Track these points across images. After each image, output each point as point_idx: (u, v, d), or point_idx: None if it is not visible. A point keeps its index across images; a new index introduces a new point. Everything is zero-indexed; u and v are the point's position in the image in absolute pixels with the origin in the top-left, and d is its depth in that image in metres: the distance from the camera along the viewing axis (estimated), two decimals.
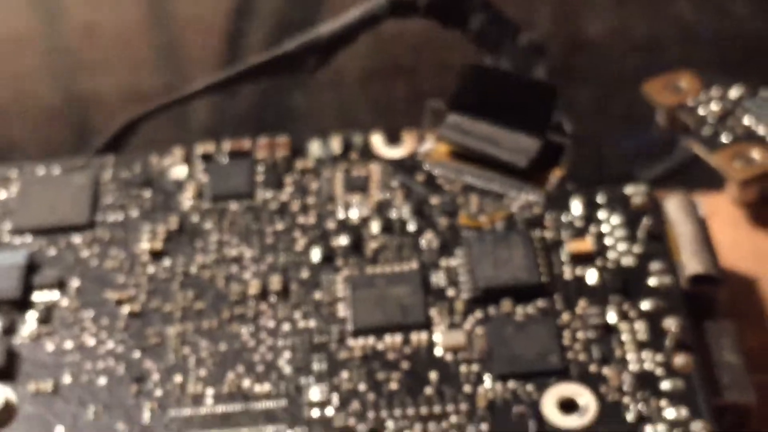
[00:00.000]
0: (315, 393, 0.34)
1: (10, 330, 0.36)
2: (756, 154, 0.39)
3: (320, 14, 0.66)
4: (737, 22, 0.62)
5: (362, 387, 0.34)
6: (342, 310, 0.36)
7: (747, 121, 0.40)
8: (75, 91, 0.64)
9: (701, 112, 0.40)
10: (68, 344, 0.35)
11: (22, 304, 0.36)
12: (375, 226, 0.38)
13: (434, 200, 0.38)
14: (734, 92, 0.41)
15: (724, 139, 0.39)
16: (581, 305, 0.35)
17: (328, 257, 0.37)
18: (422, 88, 0.59)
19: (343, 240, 0.37)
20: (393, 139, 0.40)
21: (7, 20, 0.67)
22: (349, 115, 0.59)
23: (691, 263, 0.35)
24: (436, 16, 0.40)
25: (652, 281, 0.35)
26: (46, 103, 0.63)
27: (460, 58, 0.59)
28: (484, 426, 0.32)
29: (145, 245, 0.38)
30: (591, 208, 0.37)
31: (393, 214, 0.38)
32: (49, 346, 0.35)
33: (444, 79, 0.59)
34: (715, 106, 0.40)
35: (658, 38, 0.62)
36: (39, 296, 0.37)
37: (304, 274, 0.37)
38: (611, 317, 0.34)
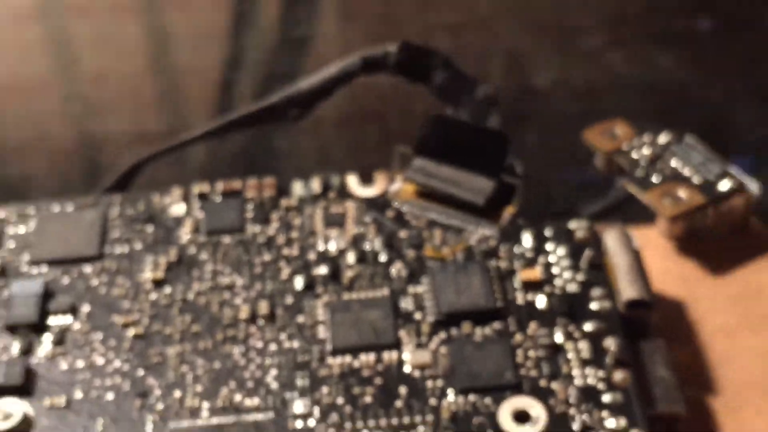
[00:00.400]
0: (299, 406, 0.33)
1: (28, 351, 0.35)
2: (683, 193, 0.38)
3: (301, 66, 0.66)
4: (663, 73, 0.62)
5: (340, 400, 0.33)
6: (322, 332, 0.35)
7: (674, 163, 0.40)
8: (86, 133, 0.64)
9: (634, 155, 0.40)
10: (80, 363, 0.35)
11: (39, 327, 0.36)
12: (351, 257, 0.37)
13: (403, 234, 0.38)
14: (663, 138, 0.41)
15: (655, 179, 0.39)
16: (532, 327, 0.35)
17: (310, 285, 0.36)
18: (389, 133, 0.59)
19: (322, 269, 0.37)
20: (366, 179, 0.40)
21: (26, 67, 0.66)
22: (326, 156, 0.58)
23: (627, 290, 0.35)
24: (404, 73, 0.40)
25: (593, 306, 0.35)
26: (60, 143, 0.62)
27: (423, 108, 0.59)
28: None
29: (148, 275, 0.37)
30: (539, 240, 0.37)
31: (367, 247, 0.38)
32: (63, 365, 0.35)
33: (409, 125, 0.59)
34: (646, 151, 0.40)
35: (595, 87, 0.62)
36: (54, 320, 0.36)
37: (289, 300, 0.36)
38: (558, 337, 0.34)
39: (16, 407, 0.33)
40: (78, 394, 0.34)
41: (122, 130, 0.62)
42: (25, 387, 0.34)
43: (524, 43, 0.66)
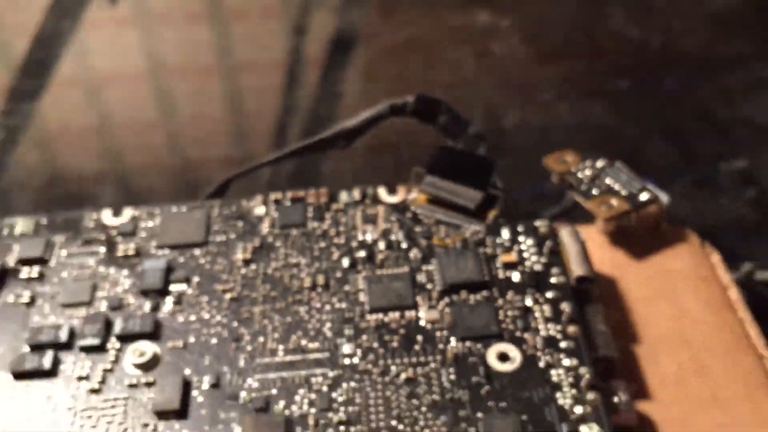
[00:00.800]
0: (346, 348, 0.33)
1: (156, 308, 0.35)
2: (614, 201, 0.39)
3: (336, 113, 0.66)
4: (597, 118, 0.63)
5: (375, 344, 0.33)
6: (362, 297, 0.35)
7: (608, 181, 0.40)
8: (187, 159, 0.64)
9: (579, 175, 0.40)
10: (192, 317, 0.35)
11: (163, 292, 0.36)
12: (381, 245, 0.37)
13: (417, 229, 0.38)
14: (599, 163, 0.41)
15: (594, 192, 0.39)
16: (509, 295, 0.35)
17: (353, 264, 0.37)
18: (402, 159, 0.59)
19: (361, 253, 0.37)
20: (391, 190, 0.40)
21: (140, 112, 0.67)
22: (358, 175, 0.58)
23: (577, 269, 0.35)
24: (418, 116, 0.40)
25: (552, 280, 0.35)
26: (170, 166, 0.62)
27: (426, 141, 0.59)
28: (451, 370, 0.32)
29: (239, 256, 0.37)
30: (514, 234, 0.37)
31: (392, 237, 0.38)
32: (180, 319, 0.35)
33: (416, 154, 0.60)
34: (588, 172, 0.40)
35: (547, 128, 0.62)
36: (173, 287, 0.36)
37: (338, 274, 0.36)
38: (528, 302, 0.34)
39: (149, 347, 0.34)
40: (191, 339, 0.34)
41: (212, 157, 0.62)
42: (154, 333, 0.34)
43: (497, 96, 0.66)
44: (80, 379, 0.33)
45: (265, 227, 0.39)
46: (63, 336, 0.34)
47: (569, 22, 0.74)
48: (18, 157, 0.65)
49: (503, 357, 0.32)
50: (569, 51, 0.71)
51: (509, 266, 0.36)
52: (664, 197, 0.39)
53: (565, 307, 0.34)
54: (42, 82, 0.72)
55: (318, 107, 0.67)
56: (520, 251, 0.36)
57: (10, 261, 0.37)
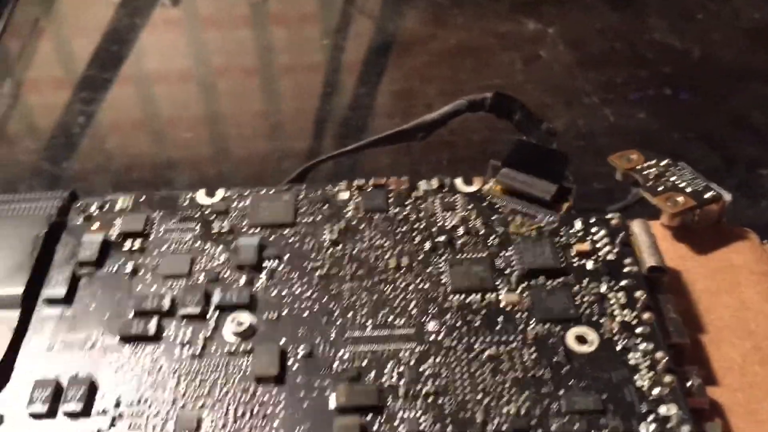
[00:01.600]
0: (431, 326, 0.33)
1: (251, 282, 0.35)
2: (680, 198, 0.38)
3: (394, 110, 0.66)
4: (638, 123, 0.62)
5: (458, 323, 0.33)
6: (444, 278, 0.35)
7: (673, 179, 0.39)
8: (273, 148, 0.63)
9: (645, 173, 0.40)
10: (284, 292, 0.35)
11: (257, 267, 0.36)
12: (461, 231, 0.37)
13: (494, 217, 0.38)
14: (663, 162, 0.40)
15: (660, 189, 0.39)
16: (585, 282, 0.34)
17: (434, 248, 0.36)
18: (458, 155, 0.59)
19: (441, 237, 0.37)
20: (468, 181, 0.39)
21: (233, 112, 0.66)
22: (416, 168, 0.58)
23: (649, 259, 0.35)
24: (494, 112, 0.40)
25: (626, 269, 0.35)
26: (256, 155, 0.62)
27: (479, 138, 0.60)
28: (533, 349, 0.32)
29: (326, 236, 0.37)
30: (587, 225, 0.37)
31: (470, 224, 0.37)
32: (273, 293, 0.35)
33: (471, 152, 0.60)
34: (653, 170, 0.40)
35: (592, 132, 0.62)
36: (266, 263, 0.36)
37: (421, 257, 0.36)
38: (603, 289, 0.34)
39: (246, 318, 0.34)
40: (284, 311, 0.34)
41: (291, 149, 0.62)
42: (250, 305, 0.34)
43: (546, 100, 0.66)
44: (183, 344, 0.33)
45: (350, 211, 0.38)
46: (166, 304, 0.34)
47: (612, 32, 0.74)
48: (96, 142, 0.66)
49: (581, 339, 0.32)
50: (613, 58, 0.71)
51: (583, 255, 0.35)
52: (727, 195, 0.38)
53: (640, 294, 0.33)
54: (114, 74, 0.72)
55: (378, 105, 0.67)
56: (594, 241, 0.36)
57: (113, 234, 0.37)
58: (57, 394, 0.31)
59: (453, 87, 0.68)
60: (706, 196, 0.38)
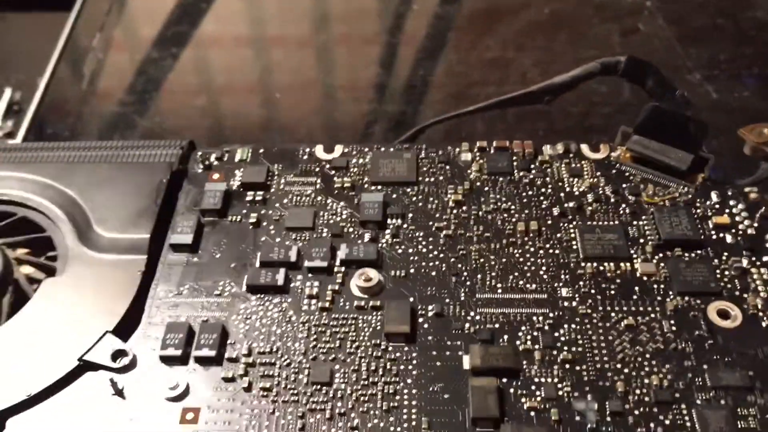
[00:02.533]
0: (565, 292, 0.32)
1: (376, 240, 0.35)
2: None
3: (487, 78, 0.64)
4: (740, 100, 0.60)
5: (593, 291, 0.32)
6: (575, 245, 0.34)
7: None
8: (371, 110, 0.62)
9: None
10: (410, 250, 0.34)
11: (382, 224, 0.35)
12: (590, 197, 0.36)
13: (624, 185, 0.36)
14: None
15: None
16: (724, 255, 0.33)
17: (563, 213, 0.35)
18: (558, 127, 0.58)
19: (570, 203, 0.36)
20: (594, 148, 0.38)
21: (299, 74, 0.65)
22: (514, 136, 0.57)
23: None
24: (627, 77, 0.38)
25: (767, 244, 0.33)
26: (358, 116, 0.61)
27: (577, 111, 0.58)
28: (672, 321, 0.31)
29: (451, 197, 0.36)
30: (723, 198, 0.35)
31: (599, 191, 0.36)
32: (399, 250, 0.34)
33: (569, 122, 0.58)
34: None
35: (697, 107, 0.60)
36: (391, 221, 0.35)
37: (549, 221, 0.35)
38: (745, 263, 0.33)
39: (375, 274, 0.33)
40: (411, 270, 0.33)
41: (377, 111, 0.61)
42: (377, 262, 0.34)
43: None
44: (310, 297, 0.32)
45: (473, 172, 0.38)
46: (292, 256, 0.33)
47: (713, 7, 0.71)
48: (188, 98, 0.66)
49: (724, 314, 0.31)
50: (714, 35, 0.68)
51: (722, 228, 0.34)
52: None
53: None
54: (197, 31, 0.72)
55: (471, 73, 0.66)
56: (732, 214, 0.35)
57: (234, 184, 0.37)
58: (189, 339, 0.31)
59: (548, 57, 0.66)
60: None
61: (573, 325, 0.31)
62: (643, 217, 0.35)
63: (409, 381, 0.30)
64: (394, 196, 0.37)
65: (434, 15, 0.73)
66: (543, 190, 0.36)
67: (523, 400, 0.29)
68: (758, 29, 0.68)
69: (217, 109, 0.65)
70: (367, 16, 0.75)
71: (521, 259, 0.34)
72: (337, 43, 0.71)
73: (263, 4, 0.76)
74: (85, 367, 0.30)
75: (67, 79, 0.67)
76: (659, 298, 0.32)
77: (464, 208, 0.36)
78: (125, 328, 0.31)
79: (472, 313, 0.32)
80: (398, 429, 0.28)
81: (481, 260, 0.34)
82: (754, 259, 0.33)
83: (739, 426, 0.28)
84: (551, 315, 0.31)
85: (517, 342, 0.30)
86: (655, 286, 0.32)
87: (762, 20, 0.69)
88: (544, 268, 0.33)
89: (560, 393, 0.29)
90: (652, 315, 0.31)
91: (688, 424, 0.28)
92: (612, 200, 0.36)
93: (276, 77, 0.68)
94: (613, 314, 0.31)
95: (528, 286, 0.32)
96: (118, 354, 0.30)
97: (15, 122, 0.58)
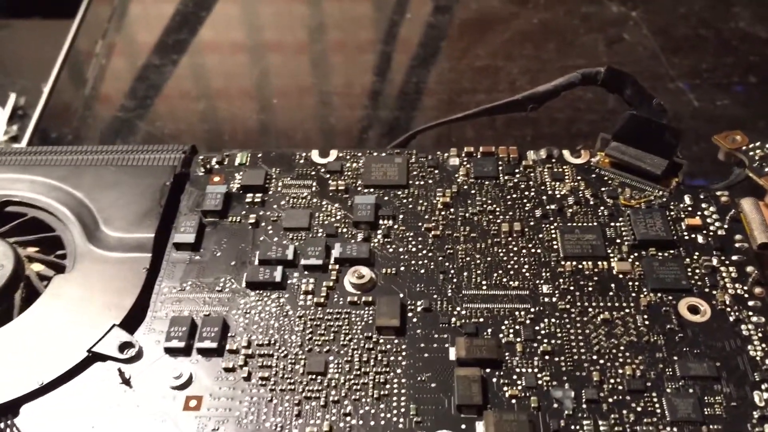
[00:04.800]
0: (545, 288, 0.34)
1: (368, 239, 0.36)
2: None
3: (478, 85, 0.66)
4: (721, 109, 0.62)
5: (572, 288, 0.34)
6: (555, 245, 0.36)
7: None
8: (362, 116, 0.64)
9: (751, 154, 0.40)
10: (400, 250, 0.36)
11: (374, 225, 0.37)
12: (570, 200, 0.38)
13: (603, 188, 0.38)
14: None
15: (767, 169, 0.39)
16: (696, 255, 0.35)
17: (545, 215, 0.37)
18: (545, 133, 0.60)
19: (552, 206, 0.38)
20: (576, 154, 0.40)
21: (296, 80, 0.67)
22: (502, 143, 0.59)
23: (761, 236, 0.35)
24: (606, 86, 0.40)
25: (737, 245, 0.35)
26: (353, 122, 0.63)
27: (564, 117, 0.60)
28: (645, 316, 0.33)
29: (439, 199, 0.38)
30: (696, 201, 0.37)
31: (580, 194, 0.38)
32: (390, 249, 0.36)
33: (555, 129, 0.60)
34: (759, 151, 0.40)
35: (677, 114, 0.62)
36: (382, 222, 0.37)
37: (532, 222, 0.37)
38: (715, 262, 0.35)
39: (367, 272, 0.35)
40: (402, 268, 0.35)
41: (370, 117, 0.63)
42: (369, 260, 0.35)
43: None
44: (306, 293, 0.34)
45: (461, 176, 0.39)
46: (289, 254, 0.35)
47: (697, 18, 0.73)
48: (188, 103, 0.68)
49: (694, 309, 0.33)
50: (697, 45, 0.70)
51: (694, 229, 0.36)
52: None
53: (751, 270, 0.34)
54: (197, 38, 0.74)
55: (461, 81, 0.68)
56: (704, 216, 0.37)
57: (234, 187, 0.39)
58: (192, 332, 0.33)
59: (537, 65, 0.68)
60: None
61: (553, 320, 0.33)
62: (620, 219, 0.37)
63: (398, 371, 0.31)
64: (386, 198, 0.38)
65: (427, 24, 0.75)
66: (526, 193, 0.38)
67: (505, 388, 0.31)
68: (740, 40, 0.70)
69: (216, 114, 0.67)
70: (362, 25, 0.77)
71: (505, 258, 0.35)
72: (333, 50, 0.73)
73: (260, 11, 0.78)
74: (93, 358, 0.32)
75: (70, 84, 0.69)
76: (634, 294, 0.33)
77: (452, 209, 0.38)
78: (131, 321, 0.33)
79: (458, 308, 0.33)
80: (388, 415, 0.30)
81: (467, 259, 0.35)
82: (723, 258, 0.35)
83: (706, 413, 0.29)
84: (532, 310, 0.33)
85: (501, 335, 0.32)
86: (630, 283, 0.34)
87: (744, 31, 0.71)
88: (526, 266, 0.35)
89: (539, 382, 0.31)
90: (627, 310, 0.33)
91: (658, 411, 0.30)
92: (591, 203, 0.37)
93: (273, 83, 0.70)
94: (590, 309, 0.33)
95: (511, 283, 0.34)
96: (125, 346, 0.32)
97: (20, 127, 0.60)
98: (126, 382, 0.31)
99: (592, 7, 0.75)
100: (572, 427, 0.29)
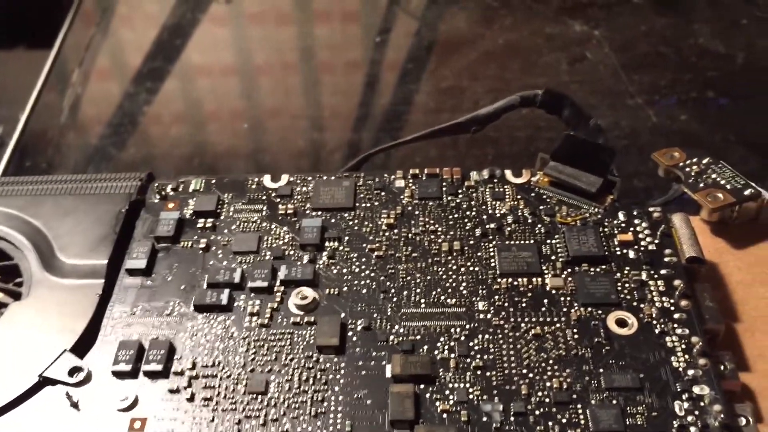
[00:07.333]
0: (481, 305, 0.35)
1: (314, 261, 0.38)
2: (720, 194, 0.39)
3: (443, 106, 0.68)
4: (680, 124, 0.63)
5: (506, 304, 0.35)
6: (493, 262, 0.37)
7: (714, 176, 0.40)
8: (324, 140, 0.66)
9: (687, 170, 0.41)
10: (344, 270, 0.37)
11: (320, 247, 0.38)
12: (509, 219, 0.39)
13: (541, 207, 0.39)
14: (704, 161, 0.41)
15: (702, 185, 0.40)
16: (626, 269, 0.36)
17: (485, 234, 0.38)
18: (501, 151, 0.61)
19: (491, 225, 0.39)
20: (517, 173, 0.41)
21: (288, 105, 0.68)
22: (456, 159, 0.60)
23: (689, 250, 0.36)
24: (545, 108, 0.41)
25: (666, 259, 0.36)
26: (309, 146, 0.64)
27: (524, 135, 0.61)
28: (575, 330, 0.34)
29: (383, 220, 0.39)
30: (629, 217, 0.38)
31: (519, 213, 0.39)
32: (334, 271, 0.37)
33: (515, 148, 0.62)
34: (695, 167, 0.41)
35: (635, 130, 0.63)
36: (328, 244, 0.38)
37: (471, 242, 0.38)
38: (643, 276, 0.36)
39: (310, 293, 0.36)
40: (345, 288, 0.36)
41: (331, 139, 0.65)
42: (313, 281, 0.36)
43: (590, 100, 0.67)
44: (252, 315, 0.35)
45: (405, 198, 0.40)
46: (236, 277, 0.36)
47: (657, 35, 0.75)
48: (161, 129, 0.69)
49: (621, 323, 0.34)
50: (657, 62, 0.72)
51: (625, 245, 0.37)
52: (766, 194, 0.39)
53: (679, 283, 0.35)
54: (174, 65, 0.76)
55: (426, 101, 0.69)
56: (636, 232, 0.38)
57: (187, 213, 0.40)
58: (139, 355, 0.34)
59: (500, 85, 0.70)
60: (745, 193, 0.39)
61: (486, 336, 0.34)
62: (556, 236, 0.38)
63: (336, 389, 0.32)
64: (333, 220, 0.39)
65: (395, 47, 0.76)
66: (468, 212, 0.39)
67: (437, 403, 0.32)
68: (698, 56, 0.72)
69: (190, 140, 0.68)
70: (329, 48, 0.78)
71: (444, 276, 0.36)
72: (293, 73, 0.75)
73: (204, 40, 0.79)
74: (44, 382, 0.33)
75: (47, 113, 0.71)
76: (565, 309, 0.35)
77: (395, 230, 0.39)
78: (82, 346, 0.34)
79: (396, 326, 0.34)
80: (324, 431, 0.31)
81: (408, 278, 0.36)
82: (652, 272, 0.36)
83: (628, 423, 0.30)
84: (468, 326, 0.34)
85: (435, 351, 0.33)
86: (562, 298, 0.35)
87: (702, 47, 0.73)
88: (464, 284, 0.36)
89: (470, 396, 0.32)
90: (558, 325, 0.34)
91: (582, 422, 0.31)
92: (529, 221, 0.39)
93: (245, 107, 0.72)
94: (523, 324, 0.34)
95: (448, 300, 0.35)
96: (74, 370, 0.33)
97: None
98: (74, 405, 0.32)
99: (557, 27, 0.76)
100: None
